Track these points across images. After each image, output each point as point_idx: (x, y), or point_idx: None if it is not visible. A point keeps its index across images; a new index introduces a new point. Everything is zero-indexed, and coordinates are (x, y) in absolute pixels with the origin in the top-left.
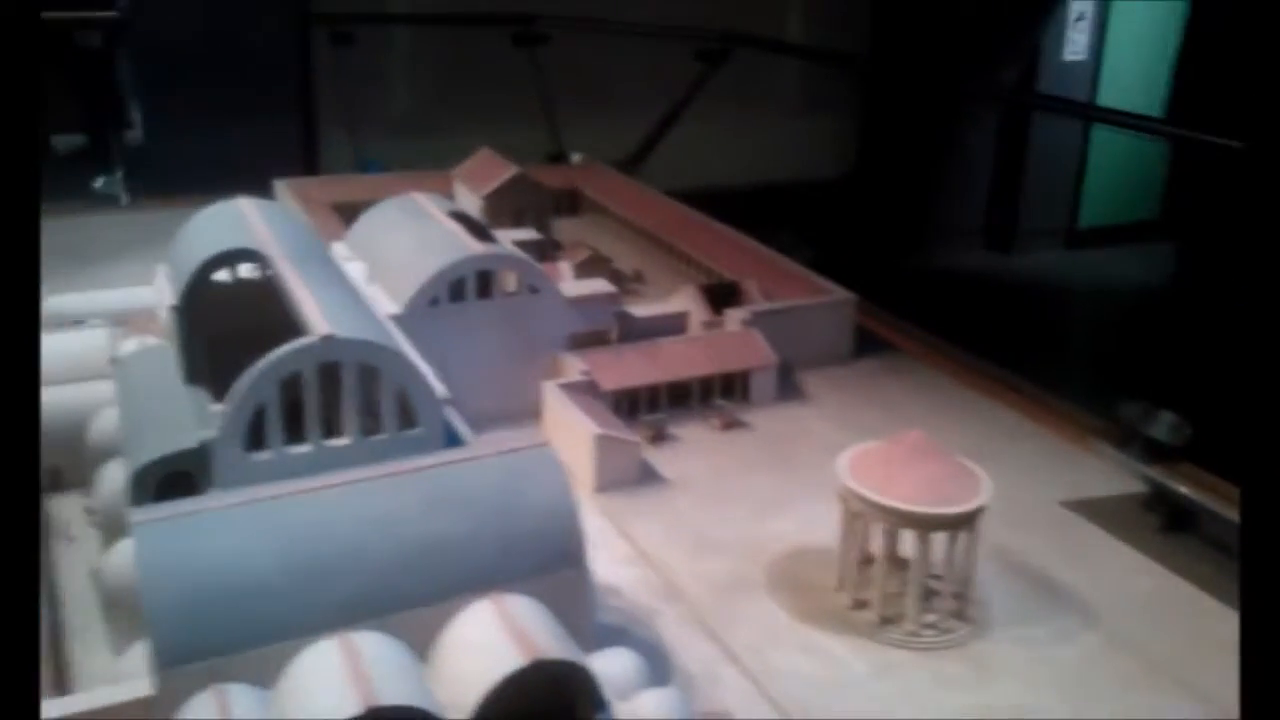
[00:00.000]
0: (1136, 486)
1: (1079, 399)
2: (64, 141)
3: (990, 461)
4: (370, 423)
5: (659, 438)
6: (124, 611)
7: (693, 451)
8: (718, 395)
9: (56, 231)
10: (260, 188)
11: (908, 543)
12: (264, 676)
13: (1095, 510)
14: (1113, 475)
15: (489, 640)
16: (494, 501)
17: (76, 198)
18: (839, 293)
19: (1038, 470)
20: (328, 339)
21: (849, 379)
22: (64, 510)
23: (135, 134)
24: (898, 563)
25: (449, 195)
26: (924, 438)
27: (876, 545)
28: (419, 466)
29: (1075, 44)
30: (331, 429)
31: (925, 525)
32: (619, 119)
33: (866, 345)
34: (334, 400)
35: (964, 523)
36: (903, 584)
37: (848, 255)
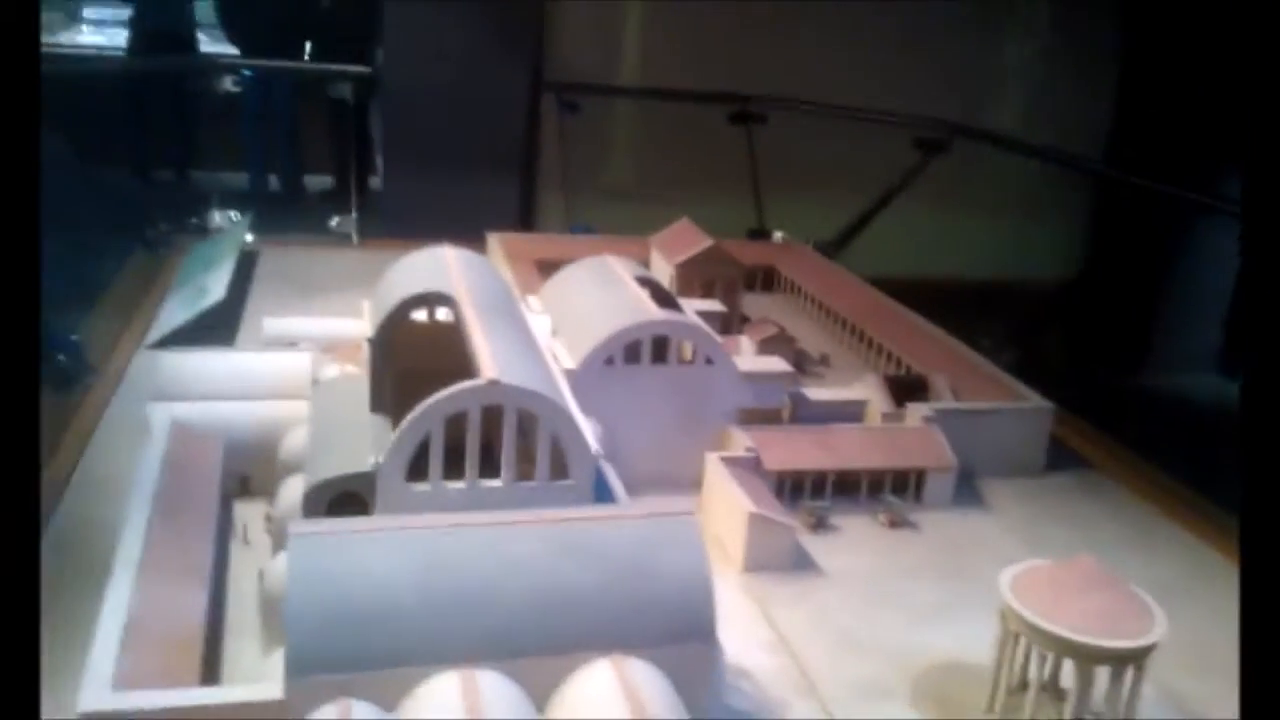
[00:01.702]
0: None
1: None
2: (315, 182)
3: (1180, 599)
4: (525, 469)
5: (819, 526)
6: (277, 616)
7: (854, 546)
8: (888, 491)
9: (289, 261)
10: (475, 239)
11: (1069, 673)
12: (387, 698)
13: None
14: None
15: (603, 699)
16: (628, 562)
17: (315, 232)
18: (1034, 399)
19: (1233, 616)
20: (493, 383)
21: (1036, 492)
22: (247, 515)
23: (376, 180)
24: (1056, 692)
25: (645, 261)
26: (1097, 564)
27: (1035, 671)
28: (561, 517)
29: None
30: (489, 470)
31: (1087, 657)
32: (827, 201)
33: (1062, 460)
34: (495, 443)
35: (1130, 659)
36: (1058, 714)
37: (1057, 365)
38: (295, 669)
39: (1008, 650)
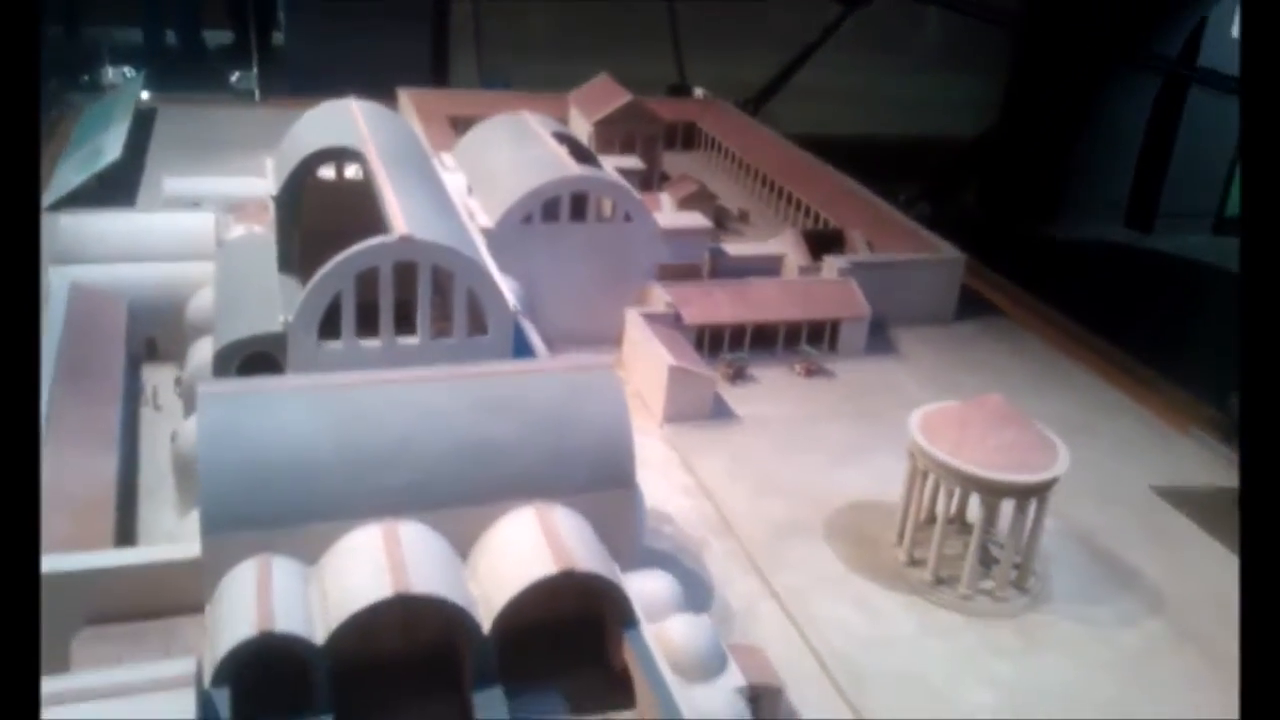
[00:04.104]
0: (1232, 480)
1: (1190, 385)
2: (213, 37)
3: (1084, 436)
4: (442, 327)
5: (738, 377)
6: (191, 477)
7: (771, 395)
8: (804, 342)
9: (188, 120)
10: (386, 96)
11: (975, 507)
12: (308, 552)
13: (1186, 499)
14: (1210, 465)
15: (525, 545)
16: (549, 414)
17: (214, 90)
18: (948, 250)
19: (1133, 451)
20: (405, 239)
21: (947, 339)
22: (155, 379)
23: (278, 36)
24: (962, 526)
25: (564, 118)
26: (1004, 402)
27: (942, 506)
28: (480, 372)
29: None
30: (405, 326)
31: (993, 492)
32: (747, 57)
33: (972, 308)
34: (411, 299)
35: (1034, 493)
36: (963, 546)
37: (972, 217)
38: (210, 527)
39: (916, 487)
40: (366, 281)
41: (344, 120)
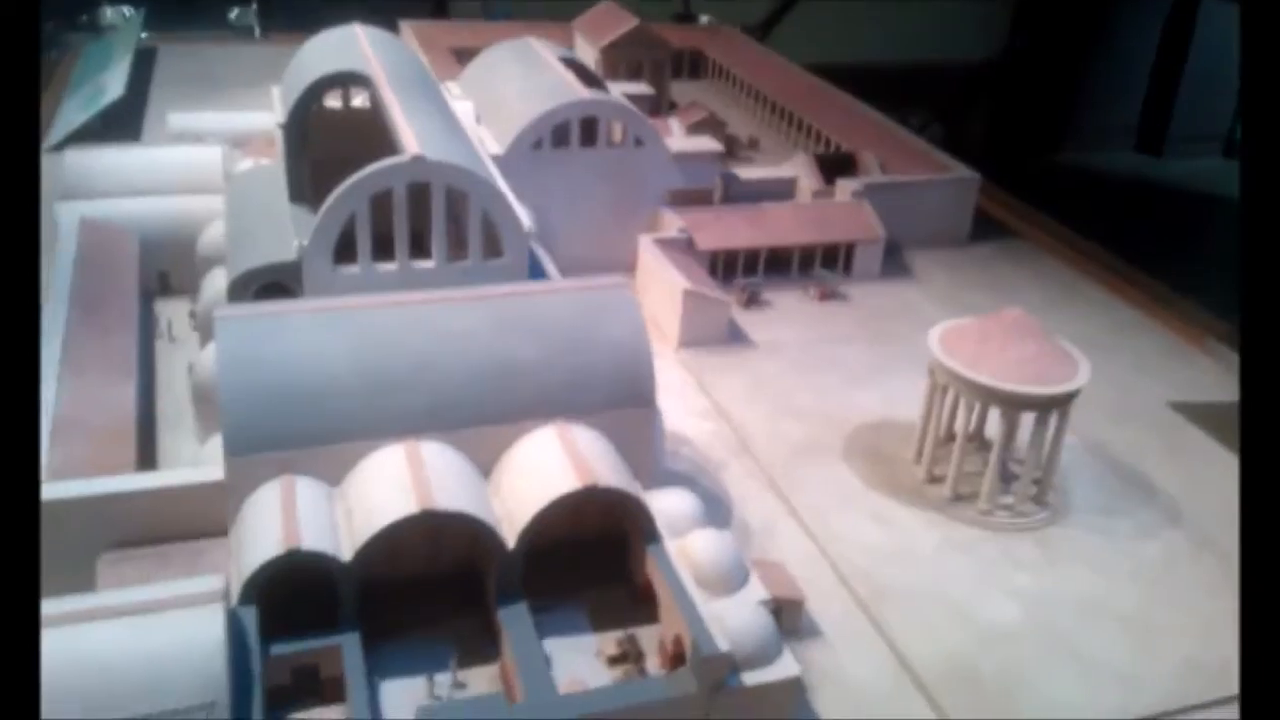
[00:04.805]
0: None
1: (1204, 303)
2: None
3: (1101, 354)
4: (457, 249)
5: (752, 301)
6: (210, 405)
7: (786, 319)
8: (819, 265)
9: (191, 58)
10: (388, 28)
11: (992, 425)
12: (331, 474)
13: (1202, 414)
14: (1225, 380)
15: (548, 462)
16: (567, 333)
17: (214, 27)
18: (961, 170)
19: (1150, 367)
20: (417, 159)
21: (962, 261)
22: (169, 313)
23: None
24: (981, 443)
25: (569, 45)
26: (1024, 316)
27: (960, 424)
28: (497, 292)
29: None
30: (420, 252)
31: (1013, 404)
32: None
33: (987, 230)
34: (425, 226)
35: (1054, 405)
36: (983, 463)
37: (984, 141)
38: (234, 448)
39: (935, 404)
40: (380, 208)
41: (350, 46)
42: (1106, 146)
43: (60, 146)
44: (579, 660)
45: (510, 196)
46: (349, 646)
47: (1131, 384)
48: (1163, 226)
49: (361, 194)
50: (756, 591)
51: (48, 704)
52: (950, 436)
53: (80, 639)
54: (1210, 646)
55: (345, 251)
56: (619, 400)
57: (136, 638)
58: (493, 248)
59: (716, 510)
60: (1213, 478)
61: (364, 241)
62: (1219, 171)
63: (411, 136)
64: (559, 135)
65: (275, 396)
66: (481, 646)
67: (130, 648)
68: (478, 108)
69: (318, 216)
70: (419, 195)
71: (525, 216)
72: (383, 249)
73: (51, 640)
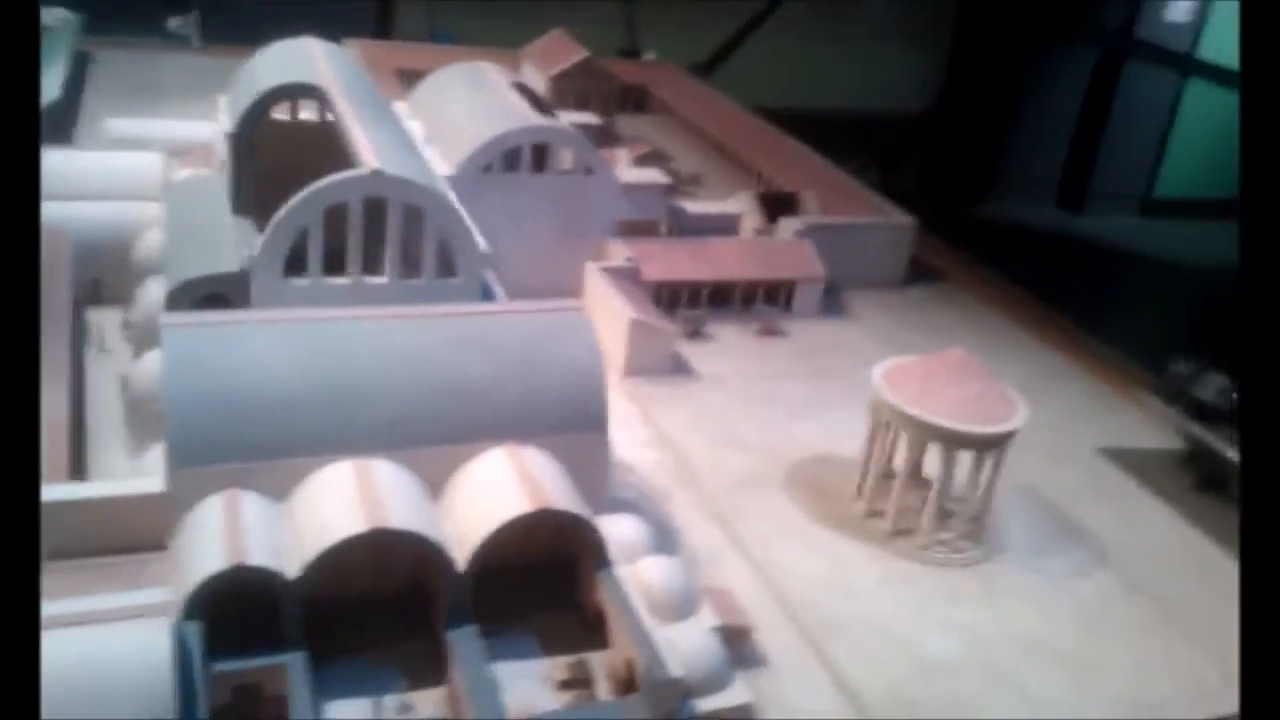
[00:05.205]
0: (1174, 443)
1: (1130, 353)
2: None
3: (1031, 397)
4: (409, 268)
5: (696, 334)
6: (145, 418)
7: (728, 352)
8: (760, 301)
9: (127, 64)
10: None
11: (931, 463)
12: (277, 489)
13: (1130, 460)
14: (1152, 429)
15: (500, 484)
16: (521, 355)
17: (151, 34)
18: (899, 216)
19: (1078, 414)
20: (376, 173)
21: (898, 303)
22: (102, 322)
23: None
24: (919, 479)
25: (517, 73)
26: (966, 357)
27: (901, 460)
28: (451, 311)
29: (1177, 9)
30: (371, 269)
31: (953, 442)
32: (697, 22)
33: (920, 275)
34: (378, 243)
35: (993, 445)
36: (921, 499)
37: (915, 189)
38: (177, 460)
39: (877, 441)
40: (329, 222)
41: (303, 58)
42: (1030, 200)
43: None
44: (528, 685)
45: (466, 217)
46: (294, 666)
47: (1060, 429)
48: (1084, 280)
49: (316, 206)
50: (707, 618)
51: None
52: (890, 473)
53: None
54: (1148, 684)
55: (290, 265)
56: (571, 424)
57: (79, 650)
58: (446, 267)
59: (662, 538)
60: (1141, 520)
61: (315, 254)
62: (1137, 230)
63: (370, 151)
64: (510, 160)
65: (222, 407)
66: (428, 669)
67: (72, 661)
68: (426, 128)
69: (270, 227)
70: (371, 211)
71: (480, 238)
72: (329, 264)
73: None
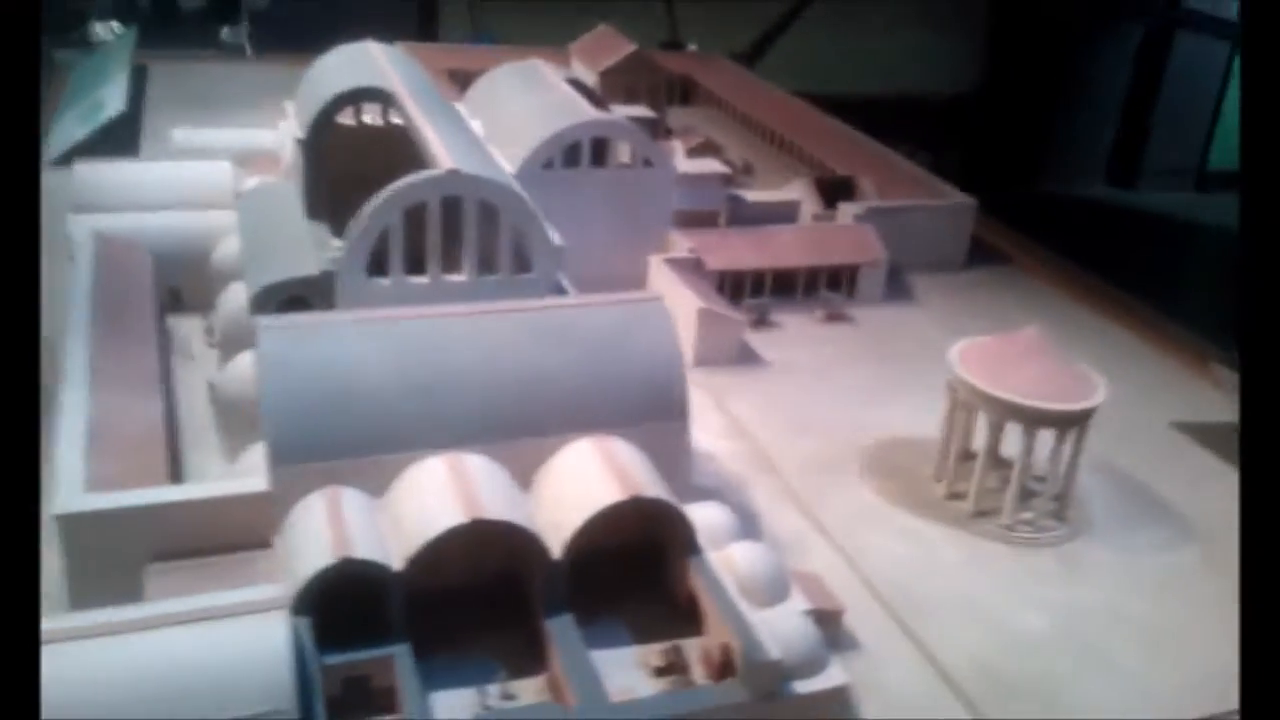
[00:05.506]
0: None
1: (1198, 328)
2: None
3: (1103, 376)
4: (486, 264)
5: (761, 323)
6: (237, 422)
7: (794, 339)
8: (823, 288)
9: (182, 76)
10: None
11: (1010, 444)
12: (373, 485)
13: (1205, 434)
14: (1226, 402)
15: (590, 474)
16: (602, 346)
17: (204, 46)
18: (959, 197)
19: (1151, 390)
20: (453, 172)
21: (960, 286)
22: (182, 329)
23: None
24: (999, 459)
25: (566, 70)
26: (1039, 336)
27: (978, 442)
28: (533, 305)
29: None
30: (447, 267)
31: (1036, 420)
32: (735, 13)
33: (980, 256)
34: (452, 241)
35: (1073, 422)
36: (1002, 480)
37: (962, 171)
38: (278, 458)
39: (955, 422)
40: (408, 222)
41: (367, 62)
42: (1080, 177)
43: (60, 161)
44: (624, 671)
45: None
46: (401, 657)
47: (1134, 406)
48: (1144, 256)
49: (396, 206)
50: (799, 602)
51: (111, 712)
52: (968, 455)
53: (143, 646)
54: (1232, 655)
55: (371, 265)
56: (653, 414)
57: (201, 644)
58: (521, 263)
59: (744, 525)
60: (1219, 494)
61: (396, 254)
62: (1192, 204)
63: (444, 151)
64: (570, 155)
65: (320, 406)
66: (526, 658)
67: (195, 654)
68: (484, 128)
69: (353, 228)
70: (448, 210)
71: (553, 233)
72: (409, 262)
73: (114, 648)
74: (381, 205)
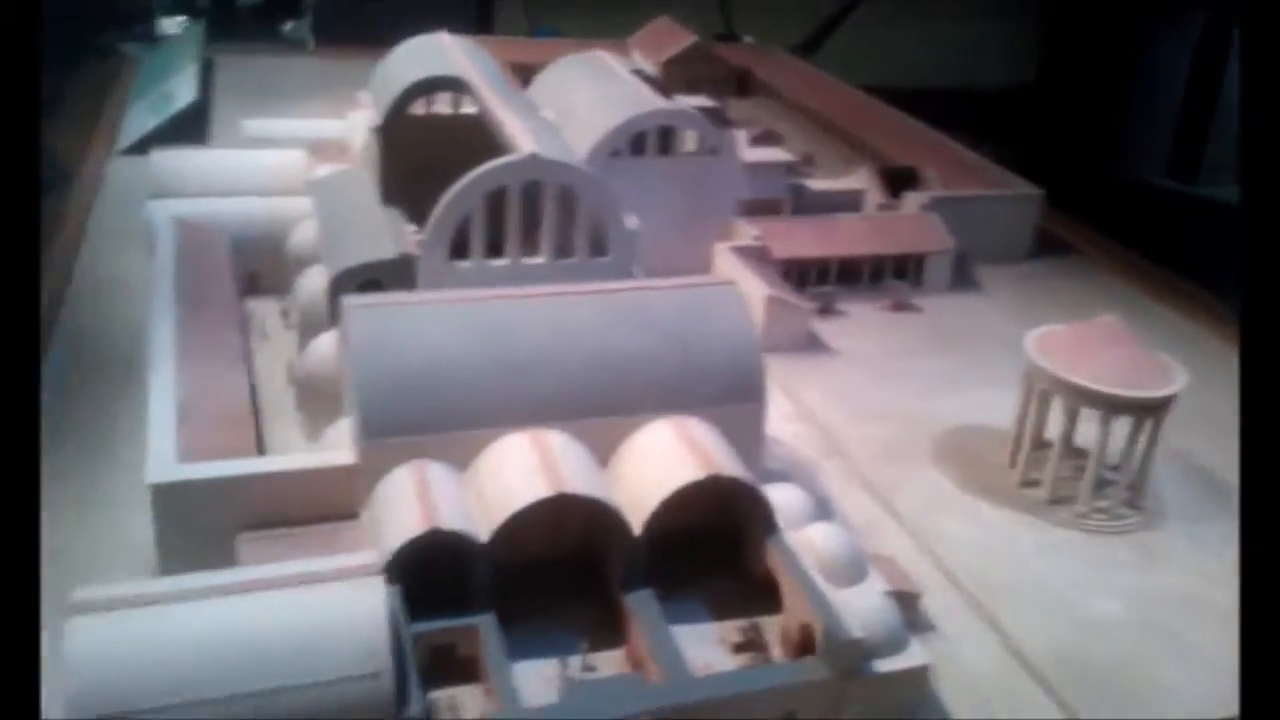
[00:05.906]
0: None
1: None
2: None
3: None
4: (563, 247)
5: (826, 311)
6: (318, 400)
7: (860, 328)
8: (889, 276)
9: (248, 70)
10: None
11: (1084, 432)
12: (457, 459)
13: None
14: None
15: (669, 452)
16: (678, 329)
17: (267, 39)
18: (1025, 186)
19: (1220, 379)
20: (534, 156)
21: (1027, 275)
22: (260, 312)
23: None
24: (1074, 447)
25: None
26: (1117, 323)
27: (1052, 430)
28: (611, 288)
29: None
30: (527, 251)
31: (1113, 408)
32: (790, 6)
33: (1045, 246)
34: (532, 226)
35: (1153, 409)
36: (1076, 469)
37: (1020, 162)
38: (367, 432)
39: (1031, 409)
40: (487, 205)
41: (440, 52)
42: (1139, 171)
43: (135, 149)
44: (703, 647)
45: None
46: (487, 627)
47: (1205, 394)
48: (1210, 248)
49: (478, 190)
50: (877, 583)
51: (213, 673)
52: (1042, 443)
53: (243, 608)
54: None
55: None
56: (729, 395)
57: (299, 608)
58: (598, 247)
59: (821, 509)
60: None
61: (478, 237)
62: None
63: (525, 136)
64: (636, 144)
65: (407, 382)
66: (606, 631)
67: (293, 618)
68: (552, 117)
69: (436, 212)
70: (525, 194)
71: (629, 218)
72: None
73: (213, 611)
74: (465, 189)
